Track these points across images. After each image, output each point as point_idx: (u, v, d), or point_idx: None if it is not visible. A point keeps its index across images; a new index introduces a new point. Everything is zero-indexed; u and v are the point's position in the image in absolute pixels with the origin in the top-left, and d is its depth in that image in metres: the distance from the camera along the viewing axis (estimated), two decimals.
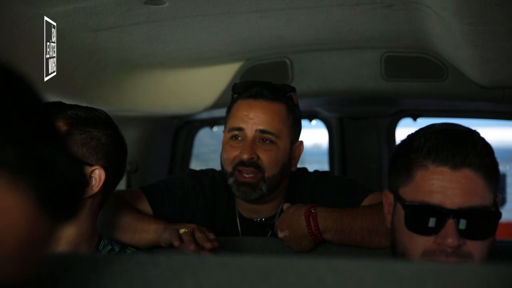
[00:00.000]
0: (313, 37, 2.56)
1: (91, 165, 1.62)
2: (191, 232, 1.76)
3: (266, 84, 2.05)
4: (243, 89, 2.05)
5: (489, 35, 1.79)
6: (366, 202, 1.92)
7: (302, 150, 2.08)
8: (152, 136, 3.29)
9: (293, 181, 2.09)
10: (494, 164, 1.34)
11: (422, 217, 1.31)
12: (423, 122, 3.30)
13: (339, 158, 3.43)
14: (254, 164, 1.96)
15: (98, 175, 1.62)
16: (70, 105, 1.69)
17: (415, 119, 3.39)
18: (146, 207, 2.03)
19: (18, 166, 0.63)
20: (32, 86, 0.69)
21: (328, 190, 2.03)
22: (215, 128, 3.55)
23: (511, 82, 2.61)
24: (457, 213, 1.28)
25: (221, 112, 3.26)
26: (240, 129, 1.99)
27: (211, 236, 1.77)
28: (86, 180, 0.72)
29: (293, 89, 2.07)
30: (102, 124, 1.68)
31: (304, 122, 3.48)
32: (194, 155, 3.59)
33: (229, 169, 1.99)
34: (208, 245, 1.72)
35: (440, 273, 0.72)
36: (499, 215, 1.33)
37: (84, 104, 1.75)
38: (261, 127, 1.97)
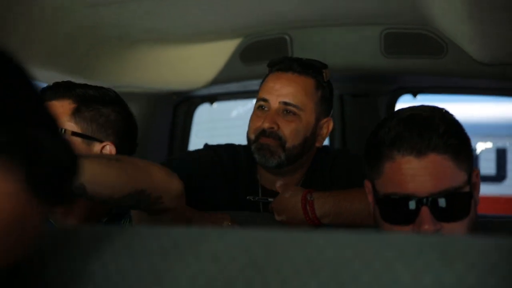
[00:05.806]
0: (313, 13, 2.54)
1: (101, 141, 1.64)
2: None
3: (298, 59, 2.09)
4: (276, 63, 2.09)
5: (490, 10, 1.78)
6: None
7: (331, 127, 2.11)
8: (151, 112, 3.28)
9: (316, 156, 2.12)
10: (463, 141, 1.33)
11: (396, 208, 1.32)
12: (423, 98, 3.30)
13: (339, 136, 3.43)
14: (274, 134, 2.00)
15: (108, 151, 1.65)
16: (79, 84, 1.70)
17: (415, 96, 3.38)
18: None
19: (8, 149, 0.63)
20: (23, 69, 0.68)
21: (346, 167, 2.06)
22: (215, 105, 3.54)
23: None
24: (429, 199, 1.29)
25: (220, 88, 3.25)
26: (265, 100, 2.04)
27: None
28: (77, 166, 0.71)
29: (324, 66, 2.09)
30: (111, 101, 1.70)
31: None
32: None
33: (252, 137, 2.04)
34: None
35: (439, 244, 0.72)
36: (471, 194, 1.32)
37: (82, 81, 1.76)
38: (285, 100, 2.01)
